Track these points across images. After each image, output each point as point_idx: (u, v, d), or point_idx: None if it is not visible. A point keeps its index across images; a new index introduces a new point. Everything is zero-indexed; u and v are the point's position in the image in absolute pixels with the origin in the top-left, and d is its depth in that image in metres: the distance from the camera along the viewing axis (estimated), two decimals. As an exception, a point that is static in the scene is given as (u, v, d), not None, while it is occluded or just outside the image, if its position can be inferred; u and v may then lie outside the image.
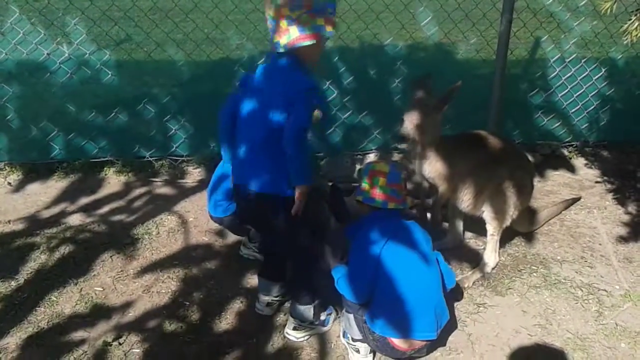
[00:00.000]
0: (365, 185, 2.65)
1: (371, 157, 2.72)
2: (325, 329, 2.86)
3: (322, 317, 2.85)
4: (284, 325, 2.87)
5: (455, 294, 3.05)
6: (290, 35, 2.46)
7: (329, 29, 2.50)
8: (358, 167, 4.17)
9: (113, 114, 4.28)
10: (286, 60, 2.53)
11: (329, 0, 2.57)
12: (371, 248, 2.54)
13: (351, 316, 2.64)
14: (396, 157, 4.43)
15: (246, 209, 2.74)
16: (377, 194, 2.62)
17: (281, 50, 2.48)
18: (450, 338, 2.81)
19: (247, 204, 2.67)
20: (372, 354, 2.69)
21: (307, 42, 2.46)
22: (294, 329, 2.81)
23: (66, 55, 4.27)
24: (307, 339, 2.81)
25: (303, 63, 2.55)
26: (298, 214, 2.56)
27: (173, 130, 4.32)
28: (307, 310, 2.79)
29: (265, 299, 2.94)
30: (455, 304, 3.01)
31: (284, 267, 2.95)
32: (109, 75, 4.28)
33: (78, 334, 2.80)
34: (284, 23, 2.46)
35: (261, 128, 2.53)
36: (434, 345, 2.69)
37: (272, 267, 2.96)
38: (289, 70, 2.52)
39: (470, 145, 3.20)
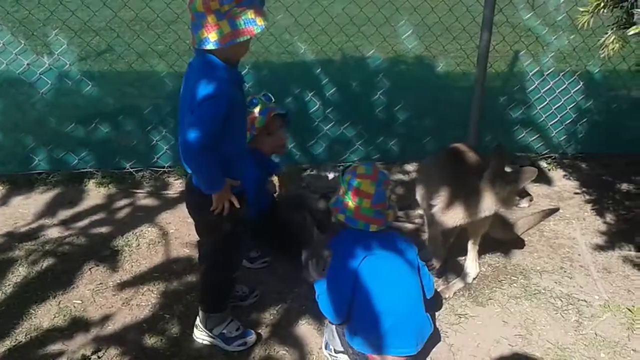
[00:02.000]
0: (347, 201, 2.60)
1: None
2: (225, 346, 2.78)
3: (224, 333, 2.78)
4: (267, 337, 2.87)
5: (436, 304, 3.06)
6: (222, 31, 2.26)
7: (260, 22, 2.30)
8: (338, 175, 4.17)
9: (94, 124, 4.25)
10: (205, 59, 2.35)
11: None
12: (349, 266, 2.53)
13: (334, 327, 2.64)
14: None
15: (186, 197, 2.77)
16: (361, 215, 2.57)
17: (210, 47, 2.27)
18: (432, 349, 2.81)
19: (187, 190, 2.69)
20: (354, 366, 2.68)
21: (241, 39, 2.28)
22: (195, 326, 2.83)
23: (47, 65, 4.23)
24: (204, 342, 2.81)
25: (227, 61, 2.37)
26: (216, 212, 2.50)
27: (154, 141, 4.30)
28: (203, 316, 2.79)
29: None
30: (437, 315, 3.02)
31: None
32: (90, 86, 4.25)
33: (56, 347, 2.76)
34: (212, 18, 2.25)
35: (181, 128, 2.43)
36: (416, 358, 2.69)
37: None
38: (202, 74, 2.34)
39: (443, 163, 3.24)
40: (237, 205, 2.52)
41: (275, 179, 3.62)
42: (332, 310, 2.57)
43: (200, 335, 2.82)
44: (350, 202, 2.59)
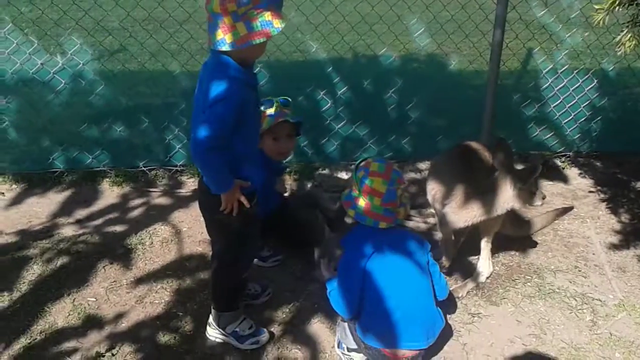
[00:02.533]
0: (358, 197, 2.60)
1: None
2: (238, 344, 2.79)
3: (237, 331, 2.79)
4: (279, 335, 2.87)
5: (449, 304, 3.05)
6: (238, 32, 2.25)
7: (277, 24, 2.28)
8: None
9: (107, 124, 4.28)
10: (219, 60, 2.34)
11: None
12: (358, 262, 2.54)
13: (346, 325, 2.64)
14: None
15: (199, 195, 2.77)
16: (371, 213, 2.57)
17: (226, 48, 2.27)
18: (445, 348, 2.80)
19: (199, 189, 2.69)
20: (366, 365, 2.68)
21: (257, 41, 2.27)
22: (209, 324, 2.85)
23: (60, 65, 4.27)
24: (217, 340, 2.83)
25: (242, 62, 2.36)
26: (225, 212, 2.49)
27: (167, 140, 4.32)
28: (215, 314, 2.80)
29: None
30: (450, 314, 3.01)
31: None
32: (103, 85, 4.28)
33: (71, 345, 2.78)
34: (229, 19, 2.24)
35: (193, 127, 2.44)
36: (428, 354, 2.69)
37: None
38: (215, 75, 2.34)
39: (454, 161, 3.23)
40: (247, 205, 2.51)
41: (286, 177, 3.62)
42: (342, 306, 2.58)
43: (213, 334, 2.83)
44: (362, 198, 2.59)
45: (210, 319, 2.84)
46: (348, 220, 2.70)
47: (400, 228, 2.72)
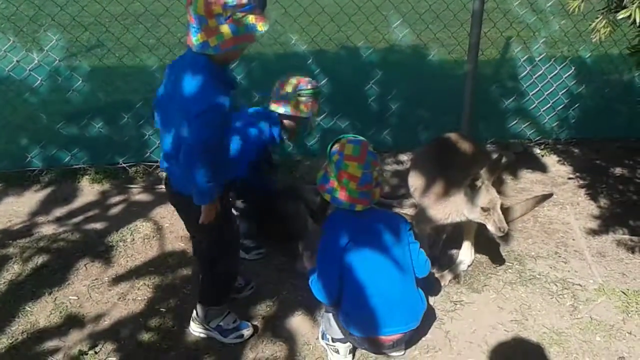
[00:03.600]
0: (333, 181, 2.56)
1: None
2: (222, 339, 2.80)
3: (221, 325, 2.80)
4: (263, 329, 2.88)
5: (431, 291, 3.07)
6: (223, 36, 2.22)
7: (260, 27, 2.26)
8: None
9: (85, 120, 4.23)
10: (199, 62, 2.30)
11: None
12: (334, 245, 2.54)
13: (331, 315, 2.65)
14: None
15: (169, 197, 2.75)
16: (345, 196, 2.54)
17: (210, 52, 2.25)
18: (427, 336, 2.83)
19: (168, 191, 2.66)
20: (351, 355, 2.69)
21: (241, 45, 2.30)
22: (192, 319, 2.85)
23: (36, 62, 4.21)
24: (201, 335, 2.83)
25: (221, 62, 2.35)
26: (204, 223, 2.48)
27: (147, 136, 4.29)
28: (201, 309, 2.80)
29: None
30: (432, 302, 3.03)
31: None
32: (80, 82, 4.23)
33: (53, 344, 2.76)
34: (213, 22, 2.20)
35: (171, 132, 2.43)
36: (411, 342, 2.72)
37: None
38: (197, 77, 2.29)
39: (433, 155, 3.25)
40: (218, 209, 2.49)
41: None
42: (322, 291, 2.57)
43: (197, 329, 2.83)
44: (337, 182, 2.55)
45: (194, 314, 2.83)
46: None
47: (379, 208, 2.70)
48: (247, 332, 2.82)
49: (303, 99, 3.28)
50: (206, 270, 2.79)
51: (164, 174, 4.23)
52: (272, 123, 3.32)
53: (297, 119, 3.35)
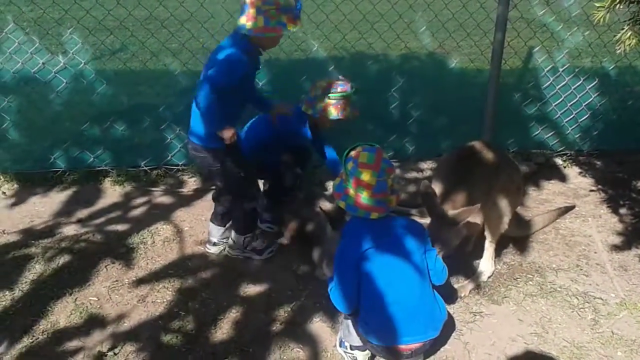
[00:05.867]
0: (348, 188, 2.54)
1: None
2: (259, 257, 3.42)
3: (255, 246, 3.42)
4: (281, 335, 2.87)
5: (451, 302, 3.06)
6: (257, 23, 2.89)
7: (290, 27, 2.95)
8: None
9: (108, 123, 4.28)
10: (237, 39, 2.98)
11: (297, 2, 2.98)
12: (351, 253, 2.52)
13: (350, 323, 2.63)
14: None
15: (192, 158, 3.41)
16: (360, 204, 2.52)
17: (244, 32, 2.92)
18: (446, 347, 2.81)
19: (191, 153, 3.26)
20: (369, 363, 2.69)
21: (268, 35, 2.95)
22: (230, 247, 3.44)
23: (61, 64, 4.26)
24: (238, 257, 3.42)
25: (255, 45, 3.03)
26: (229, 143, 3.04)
27: (169, 140, 4.33)
28: (239, 238, 3.38)
29: (212, 239, 3.48)
30: (452, 313, 3.01)
31: (226, 215, 3.46)
32: (104, 85, 4.28)
33: (73, 344, 2.78)
34: (253, 11, 2.88)
35: (197, 88, 3.03)
36: (430, 352, 2.70)
37: (216, 214, 3.49)
38: (231, 45, 2.98)
39: (453, 165, 3.24)
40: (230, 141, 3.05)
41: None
42: (340, 299, 2.56)
43: (235, 253, 3.43)
44: (352, 189, 2.53)
45: (231, 242, 3.42)
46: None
47: (396, 215, 2.68)
48: (275, 247, 3.50)
49: (333, 101, 3.44)
50: (234, 207, 3.38)
51: (185, 177, 4.31)
52: (303, 122, 3.54)
53: (327, 121, 3.52)
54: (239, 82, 3.00)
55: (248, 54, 3.00)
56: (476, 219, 3.14)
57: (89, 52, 5.06)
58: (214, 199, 3.52)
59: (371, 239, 2.54)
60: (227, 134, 3.01)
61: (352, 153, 2.57)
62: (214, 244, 3.48)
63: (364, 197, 2.52)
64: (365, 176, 2.50)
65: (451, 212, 2.92)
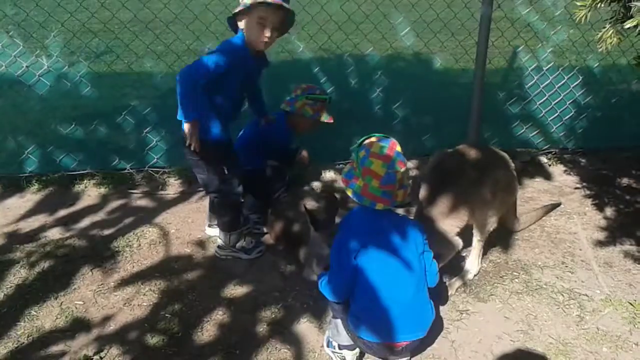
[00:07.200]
0: (357, 177, 2.52)
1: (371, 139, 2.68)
2: (247, 256, 3.44)
3: (244, 246, 3.44)
4: (268, 336, 2.87)
5: (438, 300, 3.06)
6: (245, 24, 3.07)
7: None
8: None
9: (92, 126, 4.25)
10: (235, 37, 3.12)
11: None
12: (350, 242, 2.51)
13: (339, 322, 2.63)
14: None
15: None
16: (368, 194, 2.50)
17: (238, 31, 3.11)
18: (433, 345, 2.81)
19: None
20: (357, 363, 2.69)
21: (254, 27, 3.06)
22: (219, 247, 3.46)
23: (45, 67, 4.23)
24: (227, 257, 3.43)
25: (250, 46, 3.11)
26: (193, 146, 3.03)
27: (154, 142, 4.31)
28: (225, 236, 3.40)
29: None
30: (439, 311, 3.01)
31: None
32: (89, 87, 4.26)
33: (59, 348, 2.76)
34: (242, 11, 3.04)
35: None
36: (417, 351, 2.70)
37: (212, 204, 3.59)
38: (224, 43, 3.11)
39: (451, 169, 3.25)
40: (197, 150, 3.05)
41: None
42: (333, 287, 2.54)
43: (224, 253, 3.44)
44: (360, 178, 2.52)
45: (220, 242, 3.43)
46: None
47: (398, 212, 2.67)
48: (263, 248, 3.52)
49: (310, 102, 3.73)
50: (218, 202, 3.38)
51: (170, 180, 4.29)
52: (280, 121, 3.74)
53: (302, 120, 3.78)
54: (212, 80, 3.01)
55: (239, 48, 3.08)
56: (462, 218, 3.16)
57: (73, 54, 5.02)
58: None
59: (371, 232, 2.53)
60: (186, 127, 2.98)
61: (366, 142, 2.57)
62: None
63: (371, 187, 2.50)
64: (375, 166, 2.49)
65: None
